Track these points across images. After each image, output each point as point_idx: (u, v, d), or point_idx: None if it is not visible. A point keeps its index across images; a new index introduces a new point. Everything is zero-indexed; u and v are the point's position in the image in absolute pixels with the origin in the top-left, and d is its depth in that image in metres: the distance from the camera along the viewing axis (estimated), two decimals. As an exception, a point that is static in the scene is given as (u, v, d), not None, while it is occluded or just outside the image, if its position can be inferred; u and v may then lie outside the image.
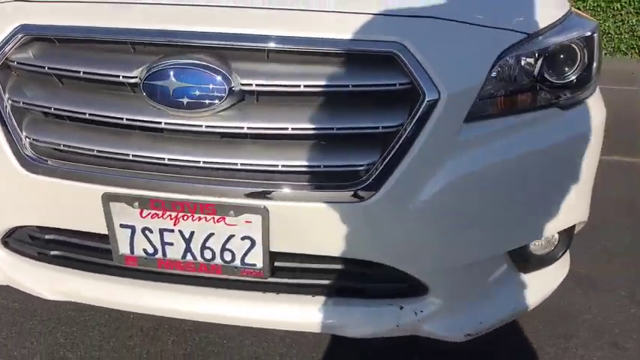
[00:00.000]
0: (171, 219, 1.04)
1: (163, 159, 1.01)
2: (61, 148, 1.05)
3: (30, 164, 1.05)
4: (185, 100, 0.96)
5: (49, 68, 1.02)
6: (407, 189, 1.00)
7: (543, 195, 1.16)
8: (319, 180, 1.00)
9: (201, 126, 0.98)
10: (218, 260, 1.07)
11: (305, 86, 0.96)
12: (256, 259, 1.06)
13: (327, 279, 1.13)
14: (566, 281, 1.39)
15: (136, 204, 1.03)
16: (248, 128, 0.98)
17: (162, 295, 1.15)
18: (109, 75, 0.99)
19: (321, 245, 1.06)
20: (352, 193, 0.99)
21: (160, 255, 1.08)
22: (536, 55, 1.12)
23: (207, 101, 0.96)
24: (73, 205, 1.07)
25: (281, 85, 0.96)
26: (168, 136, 1.02)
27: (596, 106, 1.24)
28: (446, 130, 1.00)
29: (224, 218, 1.02)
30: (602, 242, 2.11)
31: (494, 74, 1.05)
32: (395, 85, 0.98)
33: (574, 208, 1.24)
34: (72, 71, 1.00)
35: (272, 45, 0.96)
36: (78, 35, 1.01)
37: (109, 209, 1.04)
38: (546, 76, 1.14)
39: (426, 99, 0.97)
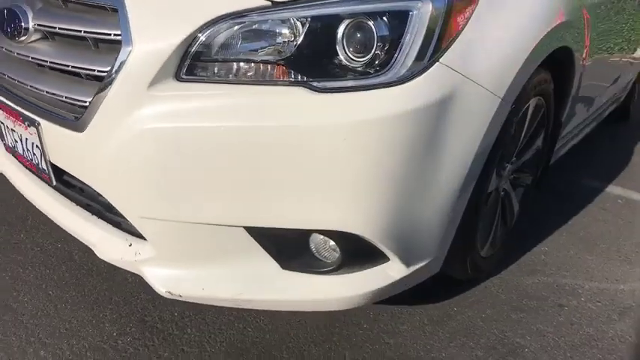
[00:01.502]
0: (10, 121, 1.39)
1: (5, 74, 1.37)
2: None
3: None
4: (8, 32, 1.29)
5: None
6: (106, 131, 1.11)
7: (265, 179, 1.07)
8: (64, 109, 1.20)
9: (13, 52, 1.30)
10: (33, 161, 1.38)
11: (60, 29, 1.18)
12: (45, 166, 1.33)
13: (95, 201, 1.32)
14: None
15: (-3, 105, 1.43)
16: (32, 58, 1.25)
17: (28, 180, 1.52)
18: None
19: (71, 167, 1.26)
20: (71, 124, 1.16)
21: (17, 149, 1.45)
22: (290, 24, 1.04)
23: (15, 33, 1.27)
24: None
25: (46, 26, 1.20)
26: (13, 56, 1.35)
27: (382, 100, 1.05)
28: (136, 82, 1.06)
29: (26, 128, 1.32)
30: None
31: (215, 38, 1.05)
32: (110, 35, 1.10)
33: (321, 209, 1.10)
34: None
35: None
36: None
37: (-5, 107, 1.47)
38: (307, 49, 1.05)
39: (121, 49, 1.06)
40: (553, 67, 1.63)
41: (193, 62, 1.06)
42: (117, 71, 1.07)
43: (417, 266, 1.28)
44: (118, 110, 1.09)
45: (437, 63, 1.09)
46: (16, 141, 1.42)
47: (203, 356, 1.35)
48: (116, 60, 1.07)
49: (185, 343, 1.39)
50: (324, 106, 1.04)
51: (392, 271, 1.25)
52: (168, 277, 1.20)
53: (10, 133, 1.43)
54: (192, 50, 1.05)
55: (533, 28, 1.29)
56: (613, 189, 2.60)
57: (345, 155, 1.05)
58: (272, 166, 1.06)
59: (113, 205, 1.19)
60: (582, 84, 1.93)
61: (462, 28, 1.13)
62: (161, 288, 1.19)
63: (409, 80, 1.06)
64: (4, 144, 1.51)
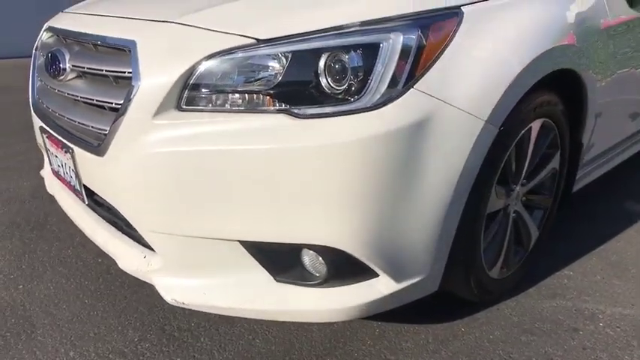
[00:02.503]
0: (54, 148, 1.61)
1: (49, 108, 1.59)
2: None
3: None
4: (51, 72, 1.51)
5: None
6: (120, 155, 1.27)
7: (255, 197, 1.18)
8: (91, 136, 1.38)
9: (55, 89, 1.52)
10: (71, 182, 1.58)
11: (88, 68, 1.37)
12: (79, 187, 1.52)
13: (118, 218, 1.48)
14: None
15: (44, 134, 1.65)
16: (68, 94, 1.46)
17: (70, 200, 1.73)
18: (42, 53, 1.64)
19: (96, 187, 1.43)
20: (95, 150, 1.34)
21: (60, 173, 1.67)
22: (274, 58, 1.17)
23: (56, 73, 1.48)
24: (36, 131, 1.77)
25: (78, 66, 1.40)
26: (55, 93, 1.58)
27: (356, 124, 1.14)
28: (143, 112, 1.21)
29: (64, 154, 1.52)
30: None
31: (208, 73, 1.19)
32: (125, 72, 1.27)
33: (306, 226, 1.19)
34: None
35: (80, 39, 1.41)
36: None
37: (43, 137, 1.69)
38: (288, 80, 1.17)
39: (132, 85, 1.22)
40: (564, 88, 1.65)
41: (191, 94, 1.20)
42: (128, 103, 1.23)
43: (408, 283, 1.33)
44: (129, 137, 1.24)
45: (411, 89, 1.16)
46: (59, 165, 1.63)
47: (211, 363, 1.47)
48: (128, 94, 1.24)
49: (197, 350, 1.51)
50: (305, 131, 1.14)
51: (381, 287, 1.30)
52: (174, 286, 1.33)
53: (55, 158, 1.64)
54: (190, 84, 1.19)
55: (519, 53, 1.33)
56: (658, 213, 2.47)
57: (323, 175, 1.14)
58: (260, 185, 1.17)
59: (128, 220, 1.34)
60: (604, 105, 1.90)
61: (439, 56, 1.20)
62: (167, 296, 1.32)
63: (383, 106, 1.15)
64: (52, 168, 1.73)
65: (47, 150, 1.69)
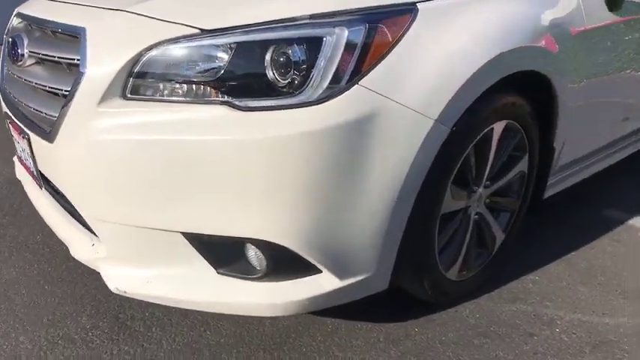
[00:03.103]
0: (16, 134, 1.61)
1: (11, 94, 1.60)
2: None
3: None
4: (12, 57, 1.51)
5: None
6: (67, 142, 1.27)
7: (194, 188, 1.18)
8: (44, 123, 1.38)
9: (15, 75, 1.52)
10: (30, 168, 1.59)
11: (43, 54, 1.37)
12: (36, 172, 1.53)
13: (71, 205, 1.48)
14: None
15: (7, 120, 1.65)
16: (25, 80, 1.46)
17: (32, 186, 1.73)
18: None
19: (48, 172, 1.43)
20: (46, 136, 1.34)
21: (22, 158, 1.67)
22: (219, 49, 1.16)
23: (15, 59, 1.49)
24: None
25: (35, 52, 1.40)
26: (15, 78, 1.58)
27: (297, 118, 1.14)
28: (89, 100, 1.21)
29: (23, 139, 1.53)
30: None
31: (153, 62, 1.18)
32: (74, 59, 1.27)
33: (244, 219, 1.19)
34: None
35: (41, 25, 1.41)
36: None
37: (7, 123, 1.70)
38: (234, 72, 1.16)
39: (79, 71, 1.22)
40: (533, 91, 1.63)
41: (136, 83, 1.20)
42: (74, 90, 1.23)
43: (353, 280, 1.32)
44: (76, 124, 1.24)
45: (356, 85, 1.16)
46: (21, 151, 1.64)
47: (158, 353, 1.46)
48: (75, 81, 1.24)
49: (146, 339, 1.51)
50: (246, 124, 1.14)
51: (324, 283, 1.30)
52: (117, 275, 1.33)
53: (17, 144, 1.65)
54: (134, 72, 1.19)
55: (474, 53, 1.31)
56: (636, 221, 2.44)
57: (262, 169, 1.14)
58: (199, 176, 1.17)
59: (75, 207, 1.34)
60: (580, 108, 1.86)
61: (388, 53, 1.19)
62: (110, 284, 1.33)
63: (325, 101, 1.14)
64: (17, 155, 1.74)
65: (12, 136, 1.70)
